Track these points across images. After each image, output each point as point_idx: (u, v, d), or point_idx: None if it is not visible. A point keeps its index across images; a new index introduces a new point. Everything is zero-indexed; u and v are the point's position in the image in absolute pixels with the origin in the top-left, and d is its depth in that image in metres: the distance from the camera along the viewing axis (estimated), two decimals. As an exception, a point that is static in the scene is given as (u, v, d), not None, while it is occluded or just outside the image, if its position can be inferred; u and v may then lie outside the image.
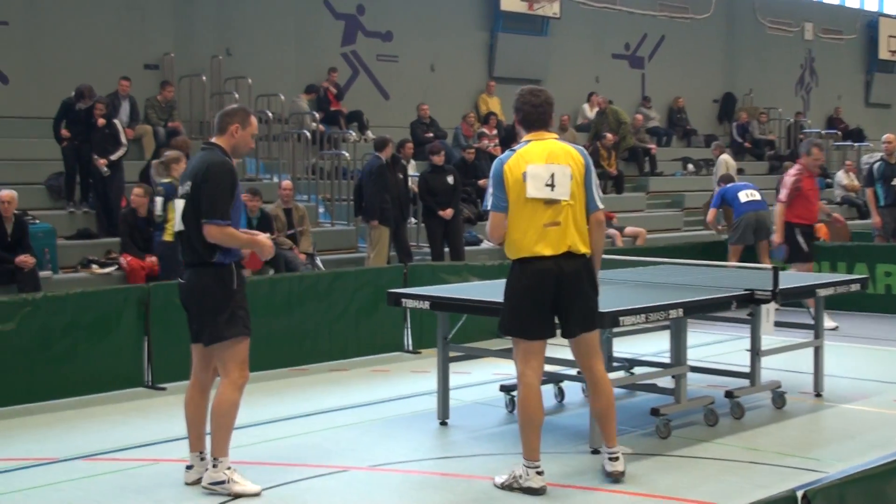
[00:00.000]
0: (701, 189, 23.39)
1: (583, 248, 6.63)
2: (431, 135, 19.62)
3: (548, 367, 9.11)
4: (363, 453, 7.57)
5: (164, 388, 9.72)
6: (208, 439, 6.79)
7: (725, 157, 20.69)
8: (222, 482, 6.54)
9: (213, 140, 6.73)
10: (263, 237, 6.78)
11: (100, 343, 9.57)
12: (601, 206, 6.77)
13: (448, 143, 19.70)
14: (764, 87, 29.14)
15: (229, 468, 6.57)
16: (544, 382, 8.96)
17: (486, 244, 17.09)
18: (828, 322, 11.05)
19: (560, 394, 9.13)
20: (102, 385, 9.58)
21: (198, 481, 6.75)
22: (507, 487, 6.63)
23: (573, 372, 9.13)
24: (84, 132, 14.64)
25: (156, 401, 9.38)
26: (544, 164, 6.56)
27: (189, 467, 6.85)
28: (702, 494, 6.62)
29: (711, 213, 15.41)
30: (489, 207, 6.64)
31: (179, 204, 6.60)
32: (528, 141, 6.68)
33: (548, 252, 6.53)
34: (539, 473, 6.59)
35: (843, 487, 4.20)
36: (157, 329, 9.82)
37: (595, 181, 6.77)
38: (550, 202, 6.55)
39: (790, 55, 30.15)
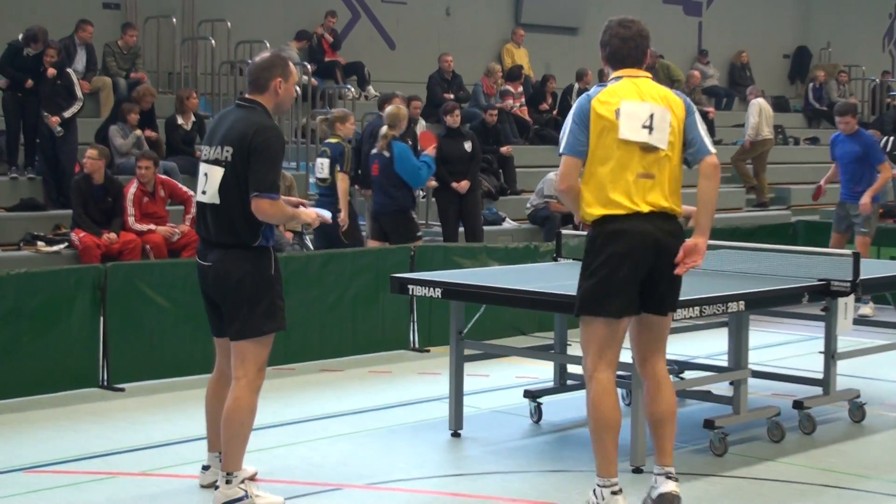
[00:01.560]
0: (770, 161, 23.29)
1: (678, 209, 6.49)
2: (451, 96, 19.47)
3: (582, 369, 9.15)
4: (360, 469, 7.59)
5: (122, 389, 9.76)
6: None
7: (761, 103, 20.89)
8: (240, 499, 6.60)
9: (250, 97, 6.71)
10: (308, 209, 6.91)
11: (46, 334, 9.60)
12: (713, 150, 6.57)
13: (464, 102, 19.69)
14: (845, 40, 29.03)
15: (244, 482, 6.65)
16: (575, 387, 9.04)
17: (508, 223, 17.11)
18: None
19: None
20: (49, 384, 9.61)
21: (213, 484, 6.83)
22: None
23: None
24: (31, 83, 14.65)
25: (112, 404, 9.42)
26: (642, 102, 6.43)
27: (206, 467, 7.03)
28: (764, 523, 6.65)
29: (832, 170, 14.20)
30: (561, 150, 6.45)
31: (214, 171, 6.56)
32: (620, 77, 6.53)
33: (644, 209, 6.37)
34: (615, 493, 6.45)
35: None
36: (114, 319, 9.85)
37: (701, 123, 6.62)
38: (647, 148, 6.40)
39: (877, 2, 30.04)
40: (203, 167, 6.66)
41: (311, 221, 6.89)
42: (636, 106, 6.41)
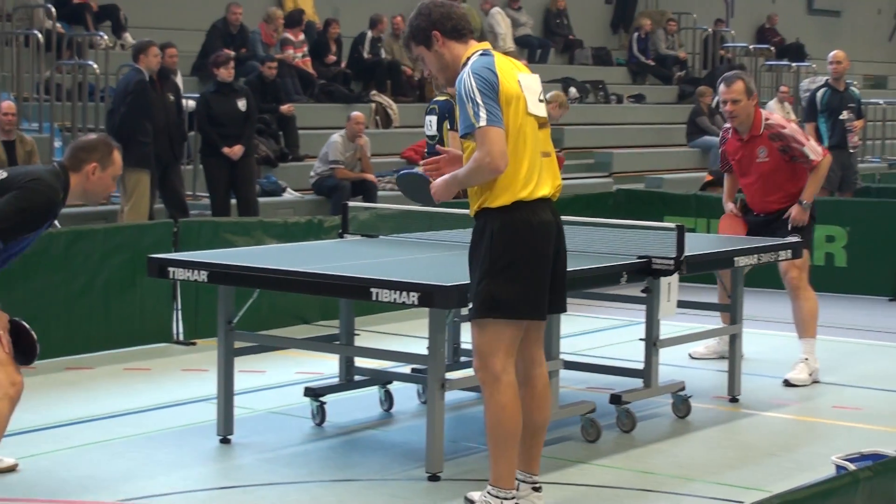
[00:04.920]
0: (588, 122, 23.71)
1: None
2: (231, 52, 19.00)
3: (371, 363, 9.24)
4: (112, 483, 7.54)
5: None
6: None
7: (498, 11, 22.51)
8: None
9: (66, 165, 7.16)
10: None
11: None
12: None
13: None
14: (674, -16, 29.69)
15: None
16: (368, 383, 9.15)
17: (289, 194, 17.07)
18: None
19: (387, 399, 9.22)
20: None
21: None
22: None
23: (406, 370, 9.26)
24: None
25: None
26: (529, 74, 6.77)
27: None
28: (575, 533, 6.82)
29: None
30: (485, 123, 6.44)
31: None
32: (487, 50, 6.74)
33: (547, 192, 6.67)
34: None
35: (756, 519, 4.37)
36: None
37: None
38: (543, 124, 6.75)
39: (709, -59, 30.78)
40: None
41: None
42: (530, 78, 6.71)
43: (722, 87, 10.16)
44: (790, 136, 10.04)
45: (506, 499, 6.69)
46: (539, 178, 6.63)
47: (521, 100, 6.59)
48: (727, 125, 10.36)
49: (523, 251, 6.60)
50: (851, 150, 17.00)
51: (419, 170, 7.36)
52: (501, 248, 6.59)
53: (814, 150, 10.08)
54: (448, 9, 6.79)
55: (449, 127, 13.68)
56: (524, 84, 6.65)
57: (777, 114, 22.48)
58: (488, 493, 6.72)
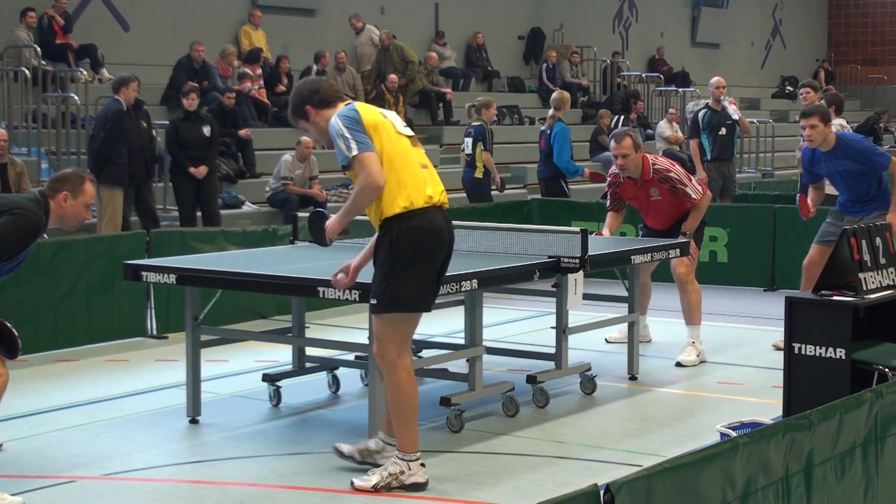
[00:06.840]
0: (506, 141, 23.77)
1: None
2: (196, 84, 18.88)
3: (320, 352, 9.22)
4: (95, 460, 7.49)
5: None
6: None
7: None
8: None
9: (45, 194, 7.05)
10: None
11: None
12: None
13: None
14: (577, 22, 29.77)
15: None
16: (318, 369, 9.13)
17: (248, 206, 16.99)
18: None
19: (335, 383, 9.19)
20: None
21: None
22: (384, 488, 6.76)
23: (350, 357, 9.24)
24: None
25: None
26: (388, 110, 7.01)
27: None
28: (499, 495, 6.80)
29: None
30: (356, 151, 6.57)
31: None
32: (350, 103, 6.92)
33: (433, 194, 6.75)
34: (423, 465, 6.88)
35: (652, 479, 4.37)
36: None
37: None
38: (415, 142, 6.91)
39: (607, -15, 30.89)
40: None
41: None
42: (390, 114, 6.92)
43: (612, 144, 10.22)
44: (676, 179, 10.10)
45: (412, 461, 6.84)
46: (425, 185, 6.75)
47: (388, 124, 6.78)
48: (615, 170, 10.36)
49: (419, 254, 6.71)
50: (736, 154, 17.25)
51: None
52: (399, 252, 6.69)
53: (695, 189, 10.15)
54: (316, 84, 7.03)
55: (483, 148, 16.00)
56: (386, 114, 6.87)
57: (667, 132, 22.85)
58: (397, 457, 6.85)
